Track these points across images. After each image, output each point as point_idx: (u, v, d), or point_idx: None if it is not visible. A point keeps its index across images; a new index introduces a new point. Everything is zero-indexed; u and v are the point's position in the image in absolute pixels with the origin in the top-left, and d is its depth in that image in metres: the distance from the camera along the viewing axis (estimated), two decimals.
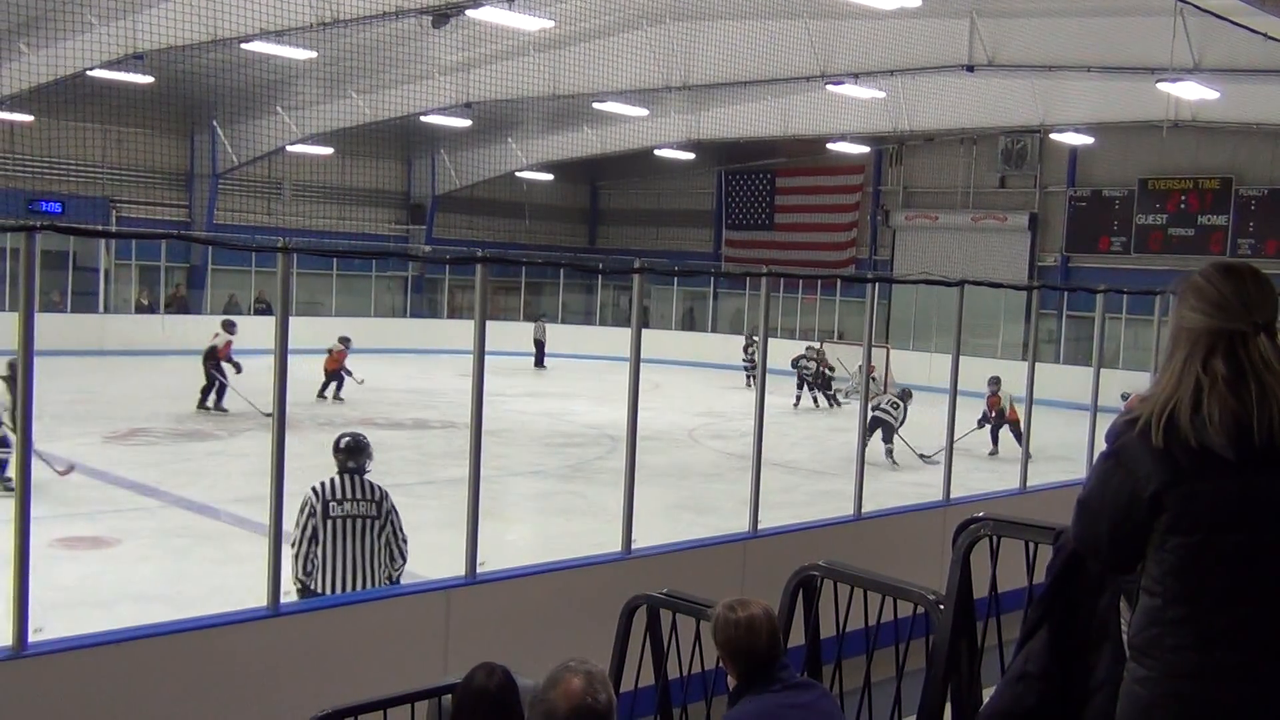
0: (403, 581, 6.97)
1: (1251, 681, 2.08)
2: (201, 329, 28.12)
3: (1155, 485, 2.10)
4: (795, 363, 23.76)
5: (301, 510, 6.28)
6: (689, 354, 29.29)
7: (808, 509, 11.50)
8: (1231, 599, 2.08)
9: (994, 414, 17.48)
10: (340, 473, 6.42)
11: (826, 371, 23.81)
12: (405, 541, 6.53)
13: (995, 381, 17.64)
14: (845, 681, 4.43)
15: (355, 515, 6.32)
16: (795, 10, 19.19)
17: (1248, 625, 2.08)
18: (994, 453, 17.38)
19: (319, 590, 6.27)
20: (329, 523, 6.27)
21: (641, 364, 7.21)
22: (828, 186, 32.65)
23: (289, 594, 5.62)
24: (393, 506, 6.50)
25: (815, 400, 23.43)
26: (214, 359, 18.56)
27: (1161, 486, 2.10)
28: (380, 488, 6.52)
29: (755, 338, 25.28)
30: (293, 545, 6.22)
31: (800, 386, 23.58)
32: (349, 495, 6.35)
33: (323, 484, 6.37)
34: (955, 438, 9.48)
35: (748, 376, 25.67)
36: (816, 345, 25.01)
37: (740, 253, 34.27)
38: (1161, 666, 2.14)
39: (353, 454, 6.45)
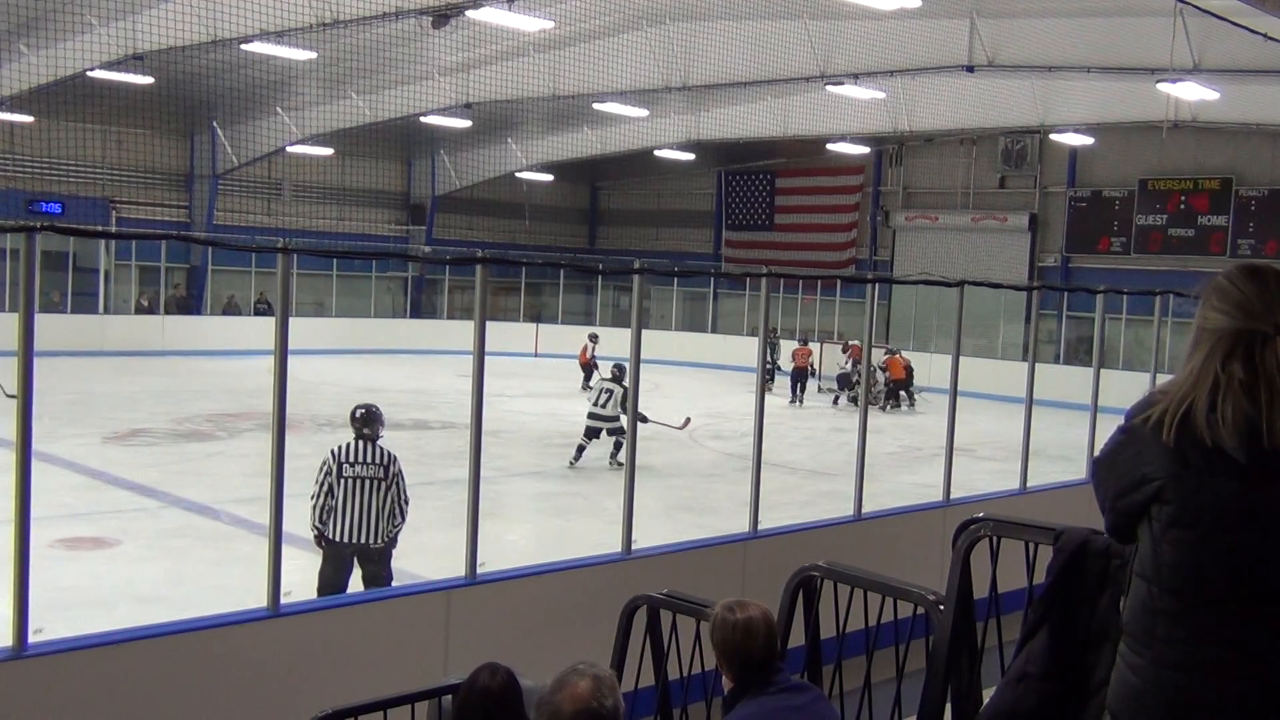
0: (404, 582, 7.02)
1: (1237, 678, 2.10)
2: (202, 329, 28.31)
3: (1161, 479, 2.13)
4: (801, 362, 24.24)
5: (321, 468, 7.36)
6: (689, 354, 29.31)
7: (808, 509, 11.51)
8: (1224, 597, 2.10)
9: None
10: (356, 438, 7.46)
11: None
12: (408, 503, 7.49)
13: (889, 351, 23.58)
14: (845, 682, 4.43)
15: (364, 477, 7.33)
16: (795, 10, 19.18)
17: (1237, 623, 2.10)
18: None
19: (332, 537, 7.29)
20: (342, 481, 7.29)
21: (641, 364, 7.23)
22: (828, 187, 32.64)
23: (289, 594, 5.62)
24: (400, 471, 7.46)
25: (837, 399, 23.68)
26: None
27: (1167, 481, 2.12)
28: (390, 452, 7.48)
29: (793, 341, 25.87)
30: (312, 498, 7.31)
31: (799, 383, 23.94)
32: (360, 459, 7.35)
33: (341, 447, 7.45)
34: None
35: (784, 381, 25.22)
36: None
37: (740, 253, 34.26)
38: (1153, 655, 2.17)
39: (367, 422, 7.50)
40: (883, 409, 22.57)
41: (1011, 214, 29.49)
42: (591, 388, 14.98)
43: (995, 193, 29.93)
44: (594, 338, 25.28)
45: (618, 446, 14.50)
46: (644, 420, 14.16)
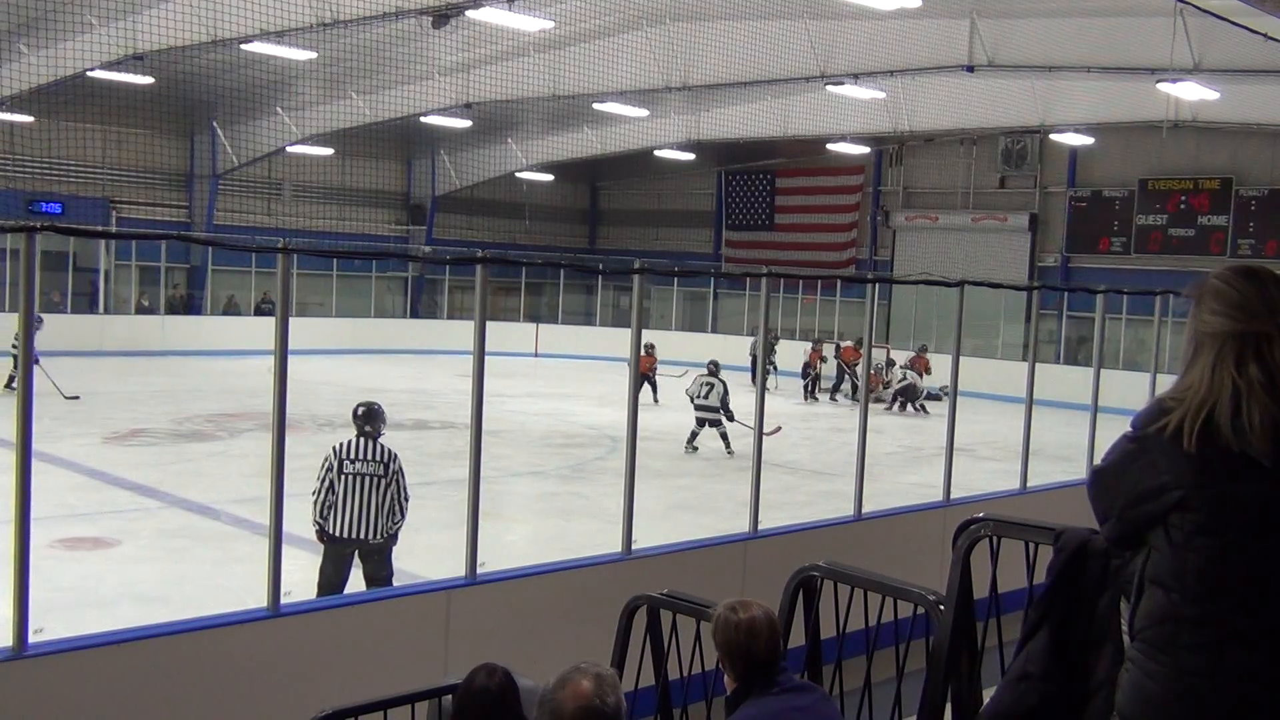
0: (404, 582, 7.02)
1: (1262, 683, 2.08)
2: (202, 330, 28.31)
3: (1184, 489, 2.09)
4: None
5: (323, 465, 7.42)
6: (690, 354, 29.25)
7: (808, 509, 11.50)
8: (1252, 602, 2.08)
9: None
10: (358, 435, 7.51)
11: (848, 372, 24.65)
12: (408, 500, 7.54)
13: (923, 348, 23.79)
14: (845, 682, 4.43)
15: (365, 474, 7.38)
16: (795, 10, 19.18)
17: (1265, 628, 2.08)
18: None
19: (332, 532, 7.35)
20: (343, 478, 7.35)
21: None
22: (828, 187, 32.65)
23: (289, 594, 5.62)
24: (400, 469, 7.50)
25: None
26: None
27: (1191, 490, 2.09)
28: (390, 450, 7.54)
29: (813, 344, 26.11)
30: (313, 494, 7.38)
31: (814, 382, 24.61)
32: (361, 456, 7.41)
33: (343, 444, 7.49)
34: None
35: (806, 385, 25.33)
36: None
37: (740, 253, 34.26)
38: (1174, 663, 2.14)
39: (368, 419, 7.56)
40: (918, 410, 22.90)
41: (1011, 214, 29.49)
42: (690, 384, 17.07)
43: (995, 193, 29.92)
44: (651, 347, 25.25)
45: (725, 439, 16.33)
46: (730, 418, 16.13)
